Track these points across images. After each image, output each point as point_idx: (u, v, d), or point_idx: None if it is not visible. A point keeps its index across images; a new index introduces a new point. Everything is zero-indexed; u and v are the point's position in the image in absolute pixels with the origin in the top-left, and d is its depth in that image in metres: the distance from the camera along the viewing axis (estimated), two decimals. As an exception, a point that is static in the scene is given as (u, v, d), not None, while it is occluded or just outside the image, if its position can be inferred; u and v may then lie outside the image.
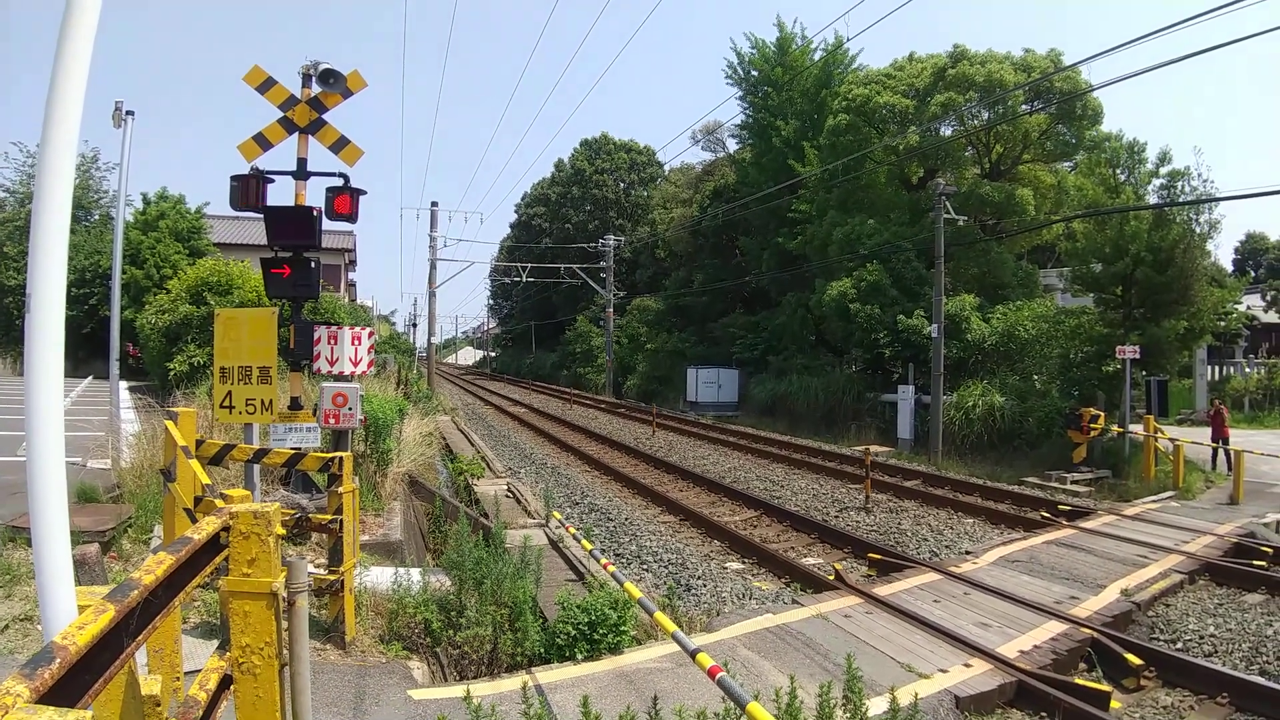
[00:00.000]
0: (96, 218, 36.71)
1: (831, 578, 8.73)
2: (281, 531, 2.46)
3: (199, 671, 4.97)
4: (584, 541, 7.21)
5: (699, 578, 9.59)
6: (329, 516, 5.60)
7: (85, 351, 30.97)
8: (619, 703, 5.04)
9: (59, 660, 1.36)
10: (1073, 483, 15.63)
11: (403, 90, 49.01)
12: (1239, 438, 17.77)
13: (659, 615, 4.60)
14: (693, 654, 3.98)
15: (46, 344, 1.81)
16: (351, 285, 50.23)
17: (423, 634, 6.04)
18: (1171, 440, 15.67)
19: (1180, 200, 17.13)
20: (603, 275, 45.92)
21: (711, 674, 3.67)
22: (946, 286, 20.76)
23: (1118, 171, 18.71)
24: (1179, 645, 7.35)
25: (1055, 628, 7.11)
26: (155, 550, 6.81)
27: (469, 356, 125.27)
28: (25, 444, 1.85)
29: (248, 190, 7.35)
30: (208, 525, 2.25)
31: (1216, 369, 33.01)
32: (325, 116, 7.84)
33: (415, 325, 72.96)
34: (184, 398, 12.61)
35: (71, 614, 1.75)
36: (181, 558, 1.92)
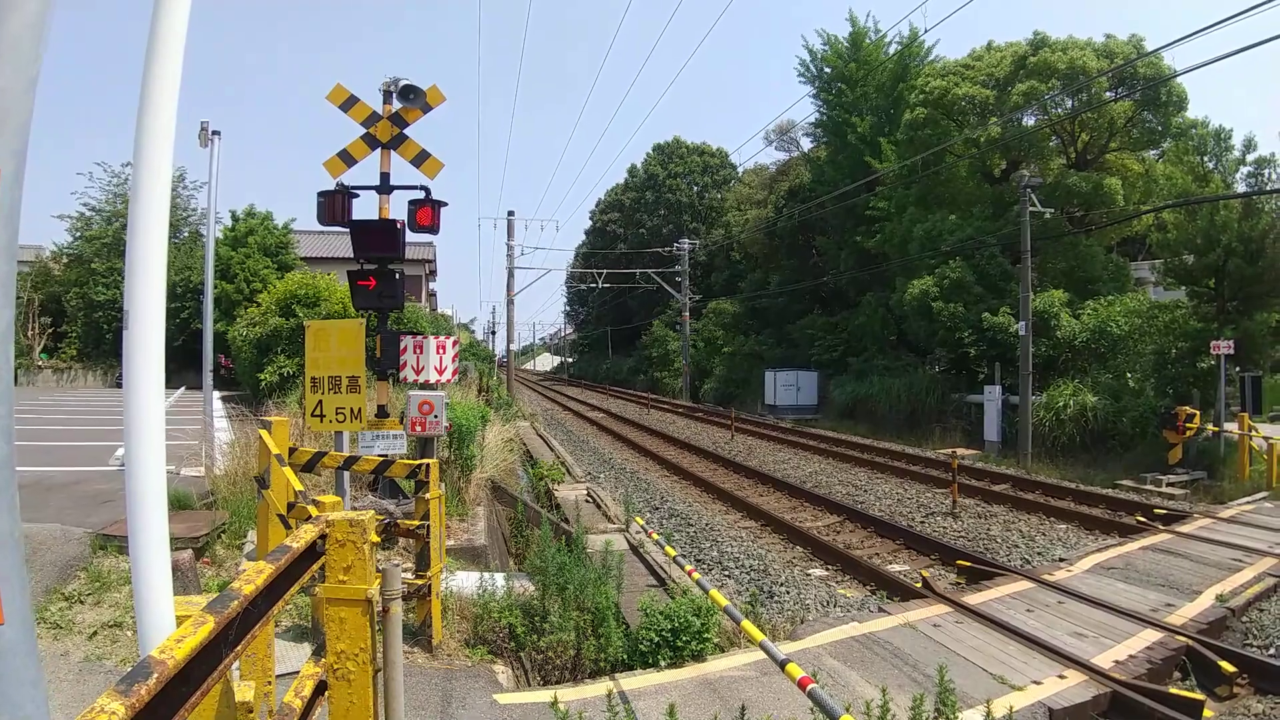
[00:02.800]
0: (186, 235, 38.14)
1: (918, 585, 8.51)
2: (376, 539, 2.50)
3: (291, 675, 5.15)
4: (667, 547, 7.18)
5: (781, 584, 9.47)
6: (416, 522, 5.70)
7: (177, 363, 32.16)
8: (704, 712, 5.00)
9: (156, 675, 1.37)
10: (1168, 485, 14.99)
11: (479, 101, 49.95)
12: (1328, 434, 16.83)
13: (745, 624, 4.54)
14: (782, 664, 3.90)
15: (146, 358, 1.87)
16: (432, 295, 51.31)
17: (507, 638, 6.10)
18: (1266, 439, 14.91)
19: (1268, 188, 16.33)
20: (678, 279, 45.90)
21: (802, 685, 3.59)
22: (1033, 282, 20.11)
23: (1205, 159, 17.92)
24: (1272, 651, 7.07)
25: (1150, 636, 6.85)
26: (249, 555, 7.06)
27: (546, 363, 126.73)
28: (120, 453, 1.92)
29: (334, 205, 7.55)
30: (305, 533, 2.30)
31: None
32: (406, 131, 8.00)
33: (494, 333, 74.14)
34: (275, 407, 13.04)
35: (169, 625, 1.80)
36: (280, 566, 1.96)
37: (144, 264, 1.88)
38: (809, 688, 3.53)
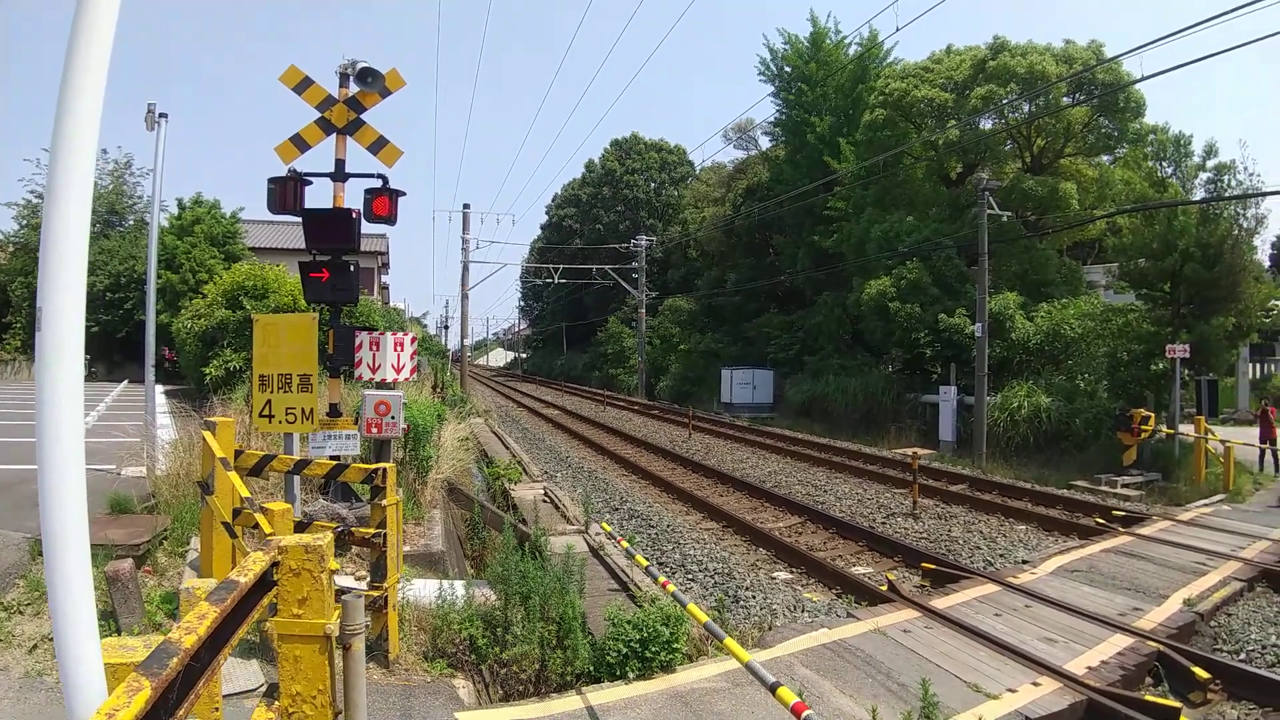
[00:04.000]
0: (131, 223, 37.01)
1: (885, 589, 8.42)
2: (335, 566, 2.22)
3: (239, 695, 4.82)
4: (638, 557, 6.95)
5: (747, 588, 9.30)
6: (372, 530, 5.39)
7: (121, 355, 31.29)
8: (678, 729, 4.78)
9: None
10: (1123, 486, 15.15)
11: (436, 92, 49.19)
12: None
13: (730, 642, 4.32)
14: (772, 688, 3.68)
15: (62, 370, 1.57)
16: (385, 288, 50.45)
17: (467, 650, 5.82)
18: (1223, 441, 15.18)
19: (1227, 195, 16.61)
20: (634, 276, 45.67)
21: (796, 712, 3.37)
22: (989, 284, 20.27)
23: (1164, 165, 18.20)
24: (1242, 656, 7.10)
25: (1121, 641, 6.82)
26: (193, 563, 6.67)
27: (500, 358, 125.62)
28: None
29: (285, 193, 7.18)
30: (254, 563, 2.02)
31: (1258, 367, 32.08)
32: (363, 116, 7.66)
33: (447, 328, 73.32)
34: (220, 403, 12.52)
35: (97, 682, 1.50)
36: (226, 608, 1.68)
37: (60, 258, 1.59)
38: (803, 714, 3.31)
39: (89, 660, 1.52)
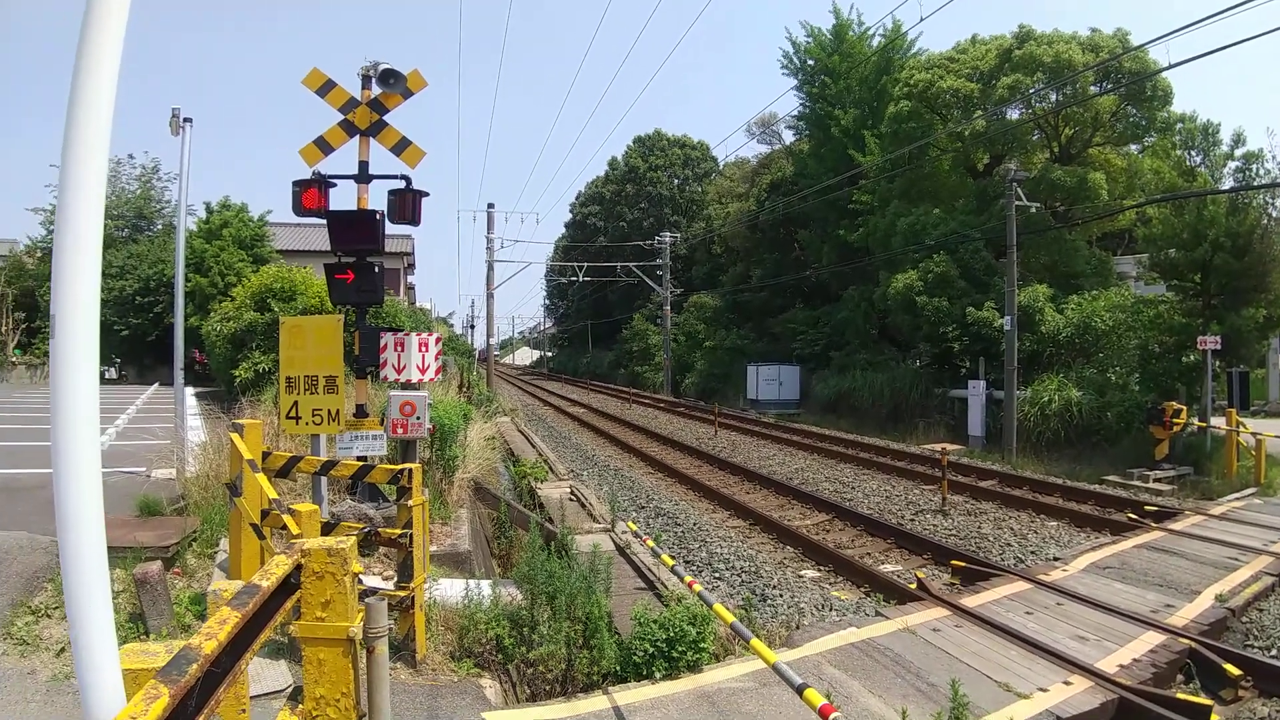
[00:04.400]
0: (160, 227, 37.53)
1: (914, 587, 8.32)
2: (359, 569, 2.22)
3: (266, 696, 4.86)
4: (664, 556, 6.92)
5: (774, 587, 9.24)
6: (398, 530, 5.40)
7: (151, 359, 31.76)
8: (705, 729, 4.76)
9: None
10: (1155, 481, 14.92)
11: (459, 93, 49.53)
12: (1309, 429, 16.88)
13: (757, 644, 4.29)
14: (799, 689, 3.65)
15: (77, 378, 1.56)
16: (411, 288, 50.74)
17: (494, 650, 5.82)
18: (1255, 434, 14.89)
19: (1256, 184, 16.29)
20: (659, 273, 45.63)
21: (824, 714, 3.33)
22: (1017, 276, 20.02)
23: (1192, 154, 17.89)
24: (1274, 652, 7.00)
25: (1153, 639, 6.72)
26: (221, 565, 6.73)
27: (526, 357, 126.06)
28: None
29: (310, 195, 7.22)
30: (278, 567, 2.02)
31: (1288, 358, 31.41)
32: (386, 118, 7.68)
33: (473, 327, 73.70)
34: (249, 404, 12.64)
35: (115, 688, 1.50)
36: (248, 613, 1.68)
37: (73, 267, 1.59)
38: (831, 716, 3.27)
39: (106, 667, 1.53)
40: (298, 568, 2.13)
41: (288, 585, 2.12)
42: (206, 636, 1.50)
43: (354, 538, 2.34)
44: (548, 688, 5.70)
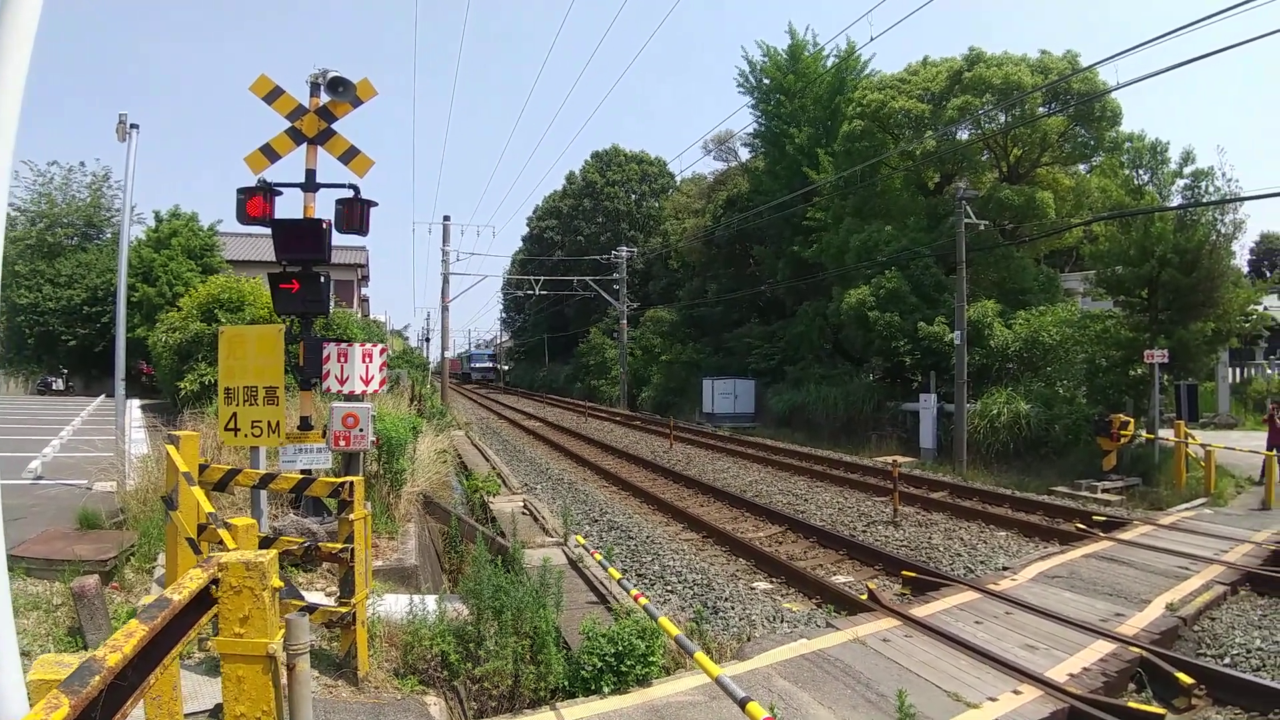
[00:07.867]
0: (109, 236, 36.83)
1: (864, 598, 8.36)
2: (279, 584, 2.14)
3: (202, 713, 4.70)
4: (611, 569, 6.87)
5: (726, 599, 9.22)
6: (340, 545, 5.28)
7: (99, 370, 31.04)
8: (652, 745, 4.70)
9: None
10: (1103, 491, 15.22)
11: (414, 104, 49.09)
12: (1257, 441, 17.29)
13: (700, 657, 4.27)
14: (742, 703, 3.62)
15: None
16: (365, 300, 50.19)
17: (439, 667, 5.70)
18: (1203, 446, 15.25)
19: (1205, 201, 16.73)
20: (615, 287, 45.64)
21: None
22: (967, 293, 20.37)
23: (1140, 172, 18.35)
24: (1226, 660, 7.08)
25: (1103, 647, 6.80)
26: (159, 580, 6.53)
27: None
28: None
29: (255, 203, 7.07)
30: (191, 581, 1.94)
31: (1238, 371, 32.33)
32: (334, 126, 7.55)
33: (428, 340, 72.98)
34: (192, 417, 12.35)
35: (18, 702, 1.43)
36: (156, 626, 1.61)
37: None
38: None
39: (6, 676, 1.45)
40: (214, 581, 2.05)
41: (206, 599, 2.04)
42: (111, 649, 1.43)
43: (273, 552, 2.27)
44: (494, 704, 5.61)
